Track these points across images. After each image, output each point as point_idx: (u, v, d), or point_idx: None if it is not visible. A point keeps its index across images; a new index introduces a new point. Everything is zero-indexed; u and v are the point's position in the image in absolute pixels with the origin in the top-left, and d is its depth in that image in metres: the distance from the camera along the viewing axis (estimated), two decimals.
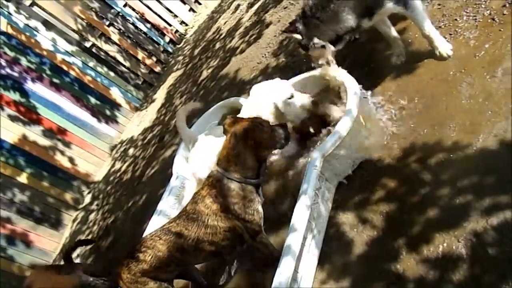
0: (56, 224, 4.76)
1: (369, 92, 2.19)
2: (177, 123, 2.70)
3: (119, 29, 6.02)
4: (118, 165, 4.97)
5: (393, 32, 2.31)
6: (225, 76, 4.10)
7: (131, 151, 4.96)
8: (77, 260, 3.78)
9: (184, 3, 6.88)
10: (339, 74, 2.11)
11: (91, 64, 5.53)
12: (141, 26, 6.27)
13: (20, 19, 4.89)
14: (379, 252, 1.68)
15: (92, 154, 5.30)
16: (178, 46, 6.67)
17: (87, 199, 4.98)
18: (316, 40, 2.14)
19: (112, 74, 5.74)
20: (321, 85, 2.31)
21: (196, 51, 5.58)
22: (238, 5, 5.28)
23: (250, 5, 4.90)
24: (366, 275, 1.67)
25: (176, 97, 4.99)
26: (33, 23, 5.01)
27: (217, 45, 4.99)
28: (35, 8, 5.08)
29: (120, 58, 5.88)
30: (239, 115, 2.10)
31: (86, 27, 5.55)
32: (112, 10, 5.94)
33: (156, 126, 4.87)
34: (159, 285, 1.86)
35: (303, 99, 2.12)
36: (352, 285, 1.69)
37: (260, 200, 1.88)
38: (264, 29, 4.05)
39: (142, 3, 6.32)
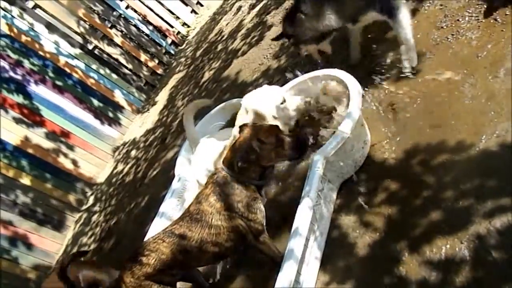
0: (59, 225, 4.78)
1: (370, 92, 2.18)
2: (184, 122, 2.68)
3: (122, 31, 6.05)
4: (120, 166, 4.99)
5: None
6: (226, 78, 4.11)
7: (133, 152, 4.98)
8: None
9: (186, 5, 6.89)
10: (341, 74, 2.11)
11: (94, 66, 5.56)
12: (143, 28, 6.30)
13: (23, 22, 4.93)
14: (382, 254, 1.68)
15: (95, 155, 5.32)
16: (180, 47, 6.69)
17: (90, 200, 4.99)
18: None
19: (114, 76, 5.77)
20: (319, 87, 2.30)
21: (198, 53, 5.60)
22: (240, 7, 5.29)
23: (252, 7, 4.91)
24: (368, 277, 1.66)
25: (178, 99, 5.00)
26: (36, 26, 5.04)
27: (219, 47, 5.00)
28: (38, 11, 5.11)
29: (122, 60, 5.91)
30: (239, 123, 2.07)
31: (88, 29, 5.58)
32: (115, 13, 5.97)
33: (158, 128, 4.88)
34: None
35: (295, 101, 2.11)
36: (355, 287, 1.68)
37: (262, 200, 1.88)
38: (266, 30, 4.05)
39: (144, 5, 6.34)
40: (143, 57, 6.18)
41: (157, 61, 6.40)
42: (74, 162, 5.07)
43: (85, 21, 5.58)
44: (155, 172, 4.02)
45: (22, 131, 4.69)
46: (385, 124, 2.12)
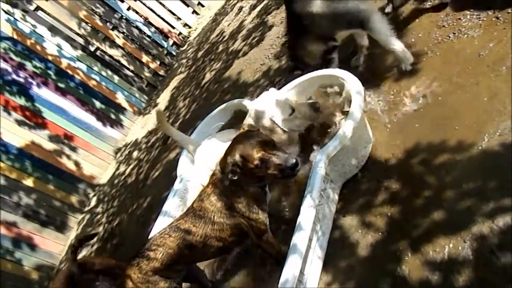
0: (62, 226, 4.79)
1: (371, 92, 2.18)
2: (165, 131, 2.67)
3: (123, 33, 6.06)
4: (122, 168, 5.00)
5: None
6: (228, 79, 4.11)
7: (135, 154, 4.99)
8: None
9: (187, 6, 6.91)
10: (342, 74, 2.11)
11: (95, 68, 5.57)
12: (145, 29, 6.32)
13: (26, 24, 4.95)
14: (384, 254, 1.67)
15: (97, 157, 5.33)
16: (181, 48, 6.70)
17: (93, 201, 5.01)
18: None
19: (116, 77, 5.78)
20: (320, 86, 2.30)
21: (200, 54, 5.60)
22: (241, 7, 5.30)
23: (253, 7, 4.91)
24: (371, 277, 1.66)
25: (179, 100, 5.01)
26: (38, 28, 5.07)
27: (220, 48, 5.00)
28: (40, 13, 5.13)
29: (124, 61, 5.92)
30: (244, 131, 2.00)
31: (90, 31, 5.60)
32: (116, 14, 5.99)
33: (160, 130, 4.89)
34: (170, 284, 1.86)
35: (304, 110, 2.09)
36: (357, 287, 1.67)
37: (267, 197, 1.87)
38: (267, 31, 4.05)
39: (146, 6, 6.36)
40: (145, 58, 6.19)
41: (158, 62, 6.41)
42: (77, 164, 5.09)
43: (86, 23, 5.60)
44: (157, 173, 4.03)
45: (24, 133, 4.71)
46: (386, 124, 2.11)
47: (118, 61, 5.86)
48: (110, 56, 5.79)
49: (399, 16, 2.56)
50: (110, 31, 5.84)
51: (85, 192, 5.11)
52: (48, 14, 5.20)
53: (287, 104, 2.11)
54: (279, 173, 1.69)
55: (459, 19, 2.22)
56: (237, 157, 1.70)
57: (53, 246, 4.65)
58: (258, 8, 4.71)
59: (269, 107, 2.11)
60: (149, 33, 6.37)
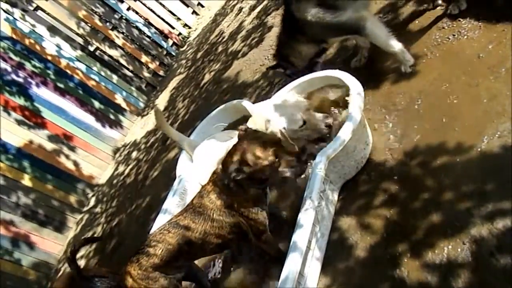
0: (60, 226, 4.78)
1: (371, 93, 2.18)
2: (164, 131, 2.66)
3: (123, 33, 6.06)
4: (121, 168, 4.99)
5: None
6: (227, 79, 4.11)
7: (134, 154, 4.98)
8: (81, 261, 3.79)
9: (187, 6, 6.91)
10: (342, 75, 2.10)
11: (95, 68, 5.57)
12: (144, 29, 6.31)
13: (25, 24, 4.94)
14: (383, 256, 1.67)
15: (96, 157, 5.33)
16: (181, 49, 6.70)
17: (91, 202, 5.00)
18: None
19: (115, 77, 5.77)
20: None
21: (199, 54, 5.60)
22: (241, 8, 5.30)
23: (252, 8, 4.91)
24: (370, 279, 1.65)
25: (178, 101, 5.01)
26: (38, 28, 5.06)
27: (220, 48, 5.00)
28: (39, 13, 5.13)
29: (123, 62, 5.92)
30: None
31: (90, 31, 5.59)
32: (116, 14, 5.98)
33: (159, 130, 4.89)
34: (170, 281, 1.85)
35: (314, 122, 2.06)
36: None
37: (267, 198, 1.86)
38: (266, 31, 4.05)
39: (146, 6, 6.36)
40: (144, 58, 6.18)
41: (158, 62, 6.41)
42: (76, 164, 5.08)
43: (86, 23, 5.59)
44: (156, 173, 4.02)
45: (23, 133, 4.70)
46: (386, 125, 2.11)
47: (118, 61, 5.86)
48: (109, 56, 5.79)
49: (398, 17, 2.56)
50: (110, 31, 5.84)
51: (84, 192, 5.10)
52: (48, 13, 5.20)
53: (299, 117, 2.08)
54: (291, 174, 1.71)
55: (459, 20, 2.23)
56: (248, 156, 1.67)
57: (52, 246, 4.64)
58: (258, 9, 4.71)
59: (279, 117, 2.09)
60: (148, 34, 6.37)
